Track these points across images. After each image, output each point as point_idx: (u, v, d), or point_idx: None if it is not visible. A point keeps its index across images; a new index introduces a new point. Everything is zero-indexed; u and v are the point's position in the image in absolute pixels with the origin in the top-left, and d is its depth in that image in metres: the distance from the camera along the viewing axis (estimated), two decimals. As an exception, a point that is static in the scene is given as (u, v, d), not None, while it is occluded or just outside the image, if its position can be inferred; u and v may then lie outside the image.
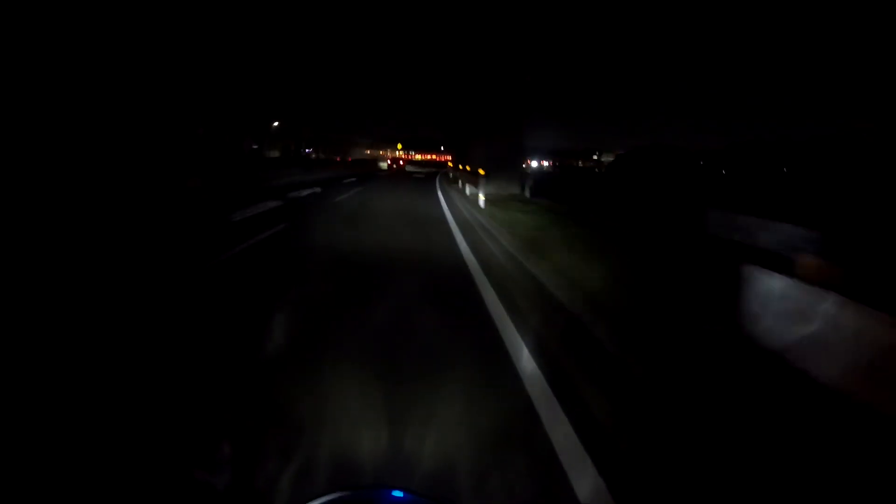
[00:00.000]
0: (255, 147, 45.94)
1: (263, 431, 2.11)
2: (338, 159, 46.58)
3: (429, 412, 2.27)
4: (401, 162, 58.34)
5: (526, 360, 2.97)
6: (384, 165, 53.89)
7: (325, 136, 49.96)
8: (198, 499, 1.19)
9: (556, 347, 3.17)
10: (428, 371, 2.77)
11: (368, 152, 70.24)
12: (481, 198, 11.92)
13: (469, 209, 10.95)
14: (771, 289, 3.00)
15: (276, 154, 47.44)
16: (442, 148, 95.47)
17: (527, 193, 16.17)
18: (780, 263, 3.14)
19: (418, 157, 75.94)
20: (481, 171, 11.98)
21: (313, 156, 51.58)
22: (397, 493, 0.69)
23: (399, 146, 61.07)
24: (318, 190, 15.94)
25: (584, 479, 1.84)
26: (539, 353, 3.03)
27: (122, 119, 20.37)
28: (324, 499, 0.65)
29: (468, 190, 15.85)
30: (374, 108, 54.01)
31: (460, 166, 19.86)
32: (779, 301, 2.92)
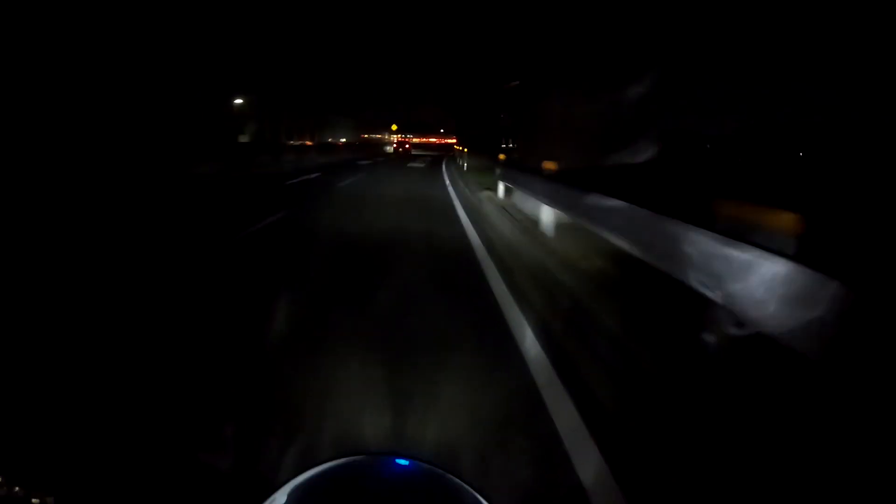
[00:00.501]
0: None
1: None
2: (308, 143, 36.09)
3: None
4: (407, 146, 48.87)
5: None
6: (389, 149, 46.42)
7: (299, 118, 39.14)
8: (201, 481, 1.07)
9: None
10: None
11: (366, 136, 59.71)
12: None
13: None
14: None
15: (245, 139, 37.01)
16: (442, 130, 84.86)
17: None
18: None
19: (415, 140, 65.43)
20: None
21: (295, 142, 41.10)
22: (402, 461, 0.66)
23: (394, 127, 50.72)
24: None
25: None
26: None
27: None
28: (329, 464, 0.62)
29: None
30: (362, 87, 43.38)
31: (507, 154, 9.84)
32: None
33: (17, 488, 0.57)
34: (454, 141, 71.24)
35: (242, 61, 33.53)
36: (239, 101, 34.33)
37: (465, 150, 17.59)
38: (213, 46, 29.04)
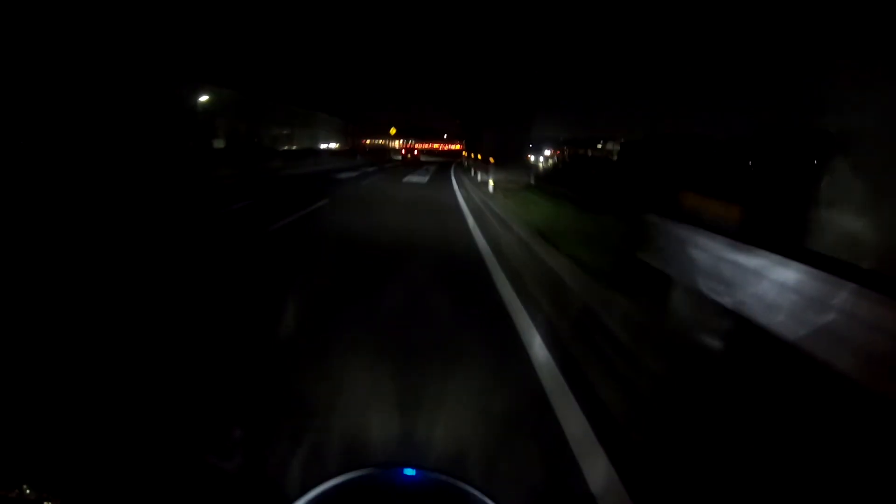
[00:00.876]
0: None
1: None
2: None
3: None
4: (415, 152, 44.09)
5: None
6: (398, 157, 42.12)
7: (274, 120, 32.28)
8: (209, 483, 1.06)
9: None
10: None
11: (368, 142, 53.08)
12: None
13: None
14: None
15: (220, 144, 30.38)
16: (445, 136, 78.68)
17: None
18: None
19: (418, 146, 59.04)
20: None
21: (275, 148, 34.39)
22: (409, 471, 0.65)
23: (392, 131, 44.18)
24: None
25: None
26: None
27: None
28: (335, 480, 0.61)
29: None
30: (355, 87, 36.63)
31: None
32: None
33: (28, 490, 0.56)
34: (459, 147, 64.67)
35: (210, 47, 27.01)
36: (204, 98, 27.76)
37: (491, 160, 10.94)
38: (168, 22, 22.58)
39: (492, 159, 11.09)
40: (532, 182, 13.94)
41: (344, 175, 16.08)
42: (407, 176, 17.46)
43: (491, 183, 10.91)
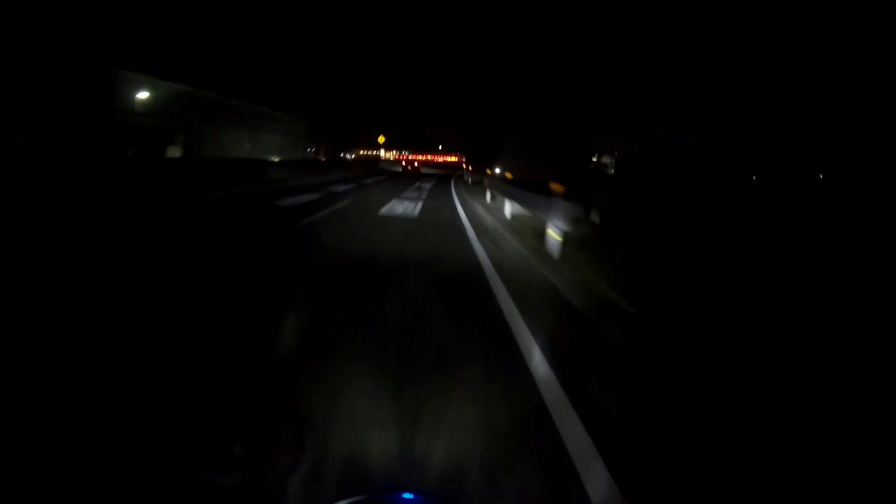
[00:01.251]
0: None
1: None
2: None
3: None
4: (416, 164, 41.65)
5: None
6: (396, 168, 39.10)
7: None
8: (208, 499, 0.99)
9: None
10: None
11: (361, 152, 47.10)
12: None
13: None
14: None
15: (177, 153, 24.28)
16: (440, 147, 73.07)
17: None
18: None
19: (411, 157, 53.25)
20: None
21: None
22: (408, 496, 0.62)
23: (381, 139, 38.41)
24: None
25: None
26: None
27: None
28: None
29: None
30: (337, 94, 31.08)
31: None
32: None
33: None
34: (456, 159, 58.89)
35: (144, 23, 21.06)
36: (144, 94, 21.65)
37: (555, 187, 4.92)
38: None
39: (556, 186, 5.20)
40: (597, 220, 7.95)
41: (287, 202, 10.13)
42: (390, 202, 11.51)
43: (555, 237, 5.02)
